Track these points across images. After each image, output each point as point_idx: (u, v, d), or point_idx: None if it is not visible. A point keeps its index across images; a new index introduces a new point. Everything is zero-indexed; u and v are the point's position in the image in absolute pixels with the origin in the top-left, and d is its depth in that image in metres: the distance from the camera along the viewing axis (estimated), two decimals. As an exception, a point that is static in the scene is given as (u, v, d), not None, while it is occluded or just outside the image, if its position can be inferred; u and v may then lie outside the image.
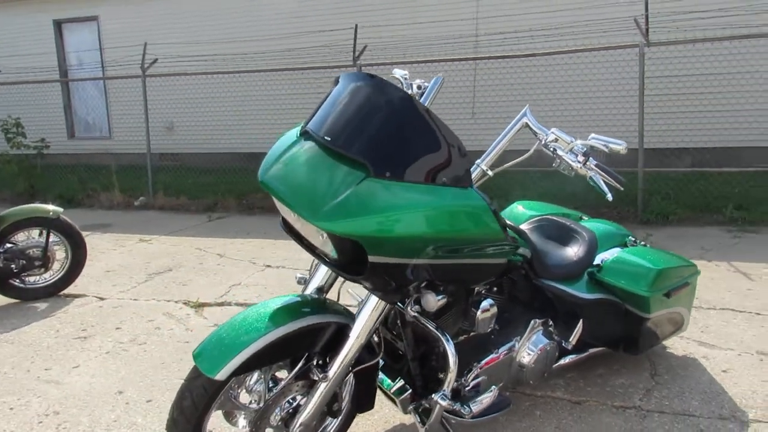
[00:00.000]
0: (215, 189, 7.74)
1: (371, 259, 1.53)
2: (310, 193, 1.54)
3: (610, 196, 1.70)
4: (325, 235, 1.62)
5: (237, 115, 9.51)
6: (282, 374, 1.91)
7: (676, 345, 2.96)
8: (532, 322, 2.23)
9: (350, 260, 1.62)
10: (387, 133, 1.55)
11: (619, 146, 1.69)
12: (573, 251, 2.39)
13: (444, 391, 1.81)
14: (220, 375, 1.59)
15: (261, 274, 4.46)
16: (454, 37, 7.87)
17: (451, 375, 1.80)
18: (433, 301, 1.72)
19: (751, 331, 3.10)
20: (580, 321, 2.33)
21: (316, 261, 2.01)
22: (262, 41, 8.94)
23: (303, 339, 1.74)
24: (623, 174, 5.78)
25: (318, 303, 1.85)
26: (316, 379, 1.78)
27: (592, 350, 2.55)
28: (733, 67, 6.62)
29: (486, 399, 1.98)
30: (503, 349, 2.16)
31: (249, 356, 1.62)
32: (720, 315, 3.33)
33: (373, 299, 1.78)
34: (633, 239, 2.72)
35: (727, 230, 5.29)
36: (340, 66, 7.10)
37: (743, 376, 2.64)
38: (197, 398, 1.65)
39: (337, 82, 1.78)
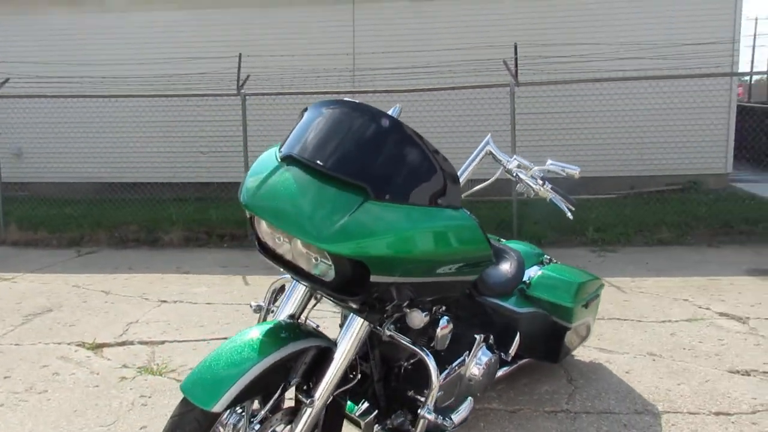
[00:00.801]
0: (80, 221, 7.12)
1: (373, 279, 1.57)
2: (310, 217, 1.55)
3: (570, 215, 1.90)
4: (318, 258, 1.63)
5: (102, 142, 8.85)
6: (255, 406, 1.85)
7: (580, 353, 3.27)
8: (477, 337, 2.37)
9: (347, 282, 1.64)
10: (383, 156, 1.60)
11: (574, 171, 1.90)
12: (506, 269, 2.58)
13: (428, 405, 1.86)
14: (218, 406, 1.52)
15: (158, 310, 4.19)
16: (337, 70, 8.05)
17: (434, 389, 1.86)
18: (420, 318, 1.78)
19: (637, 336, 3.51)
20: (518, 334, 2.52)
21: (289, 288, 1.99)
22: (132, 65, 8.46)
23: (290, 365, 1.71)
24: (502, 201, 6.23)
25: (296, 328, 1.84)
26: (303, 404, 1.75)
27: (520, 362, 2.75)
28: (593, 105, 7.50)
29: (465, 409, 2.06)
30: (455, 365, 2.26)
31: (245, 386, 1.57)
32: (609, 324, 3.73)
33: (357, 320, 1.80)
34: (548, 258, 2.99)
35: (591, 250, 5.93)
36: (222, 94, 6.96)
37: (643, 375, 2.99)
38: None
39: (305, 110, 1.82)
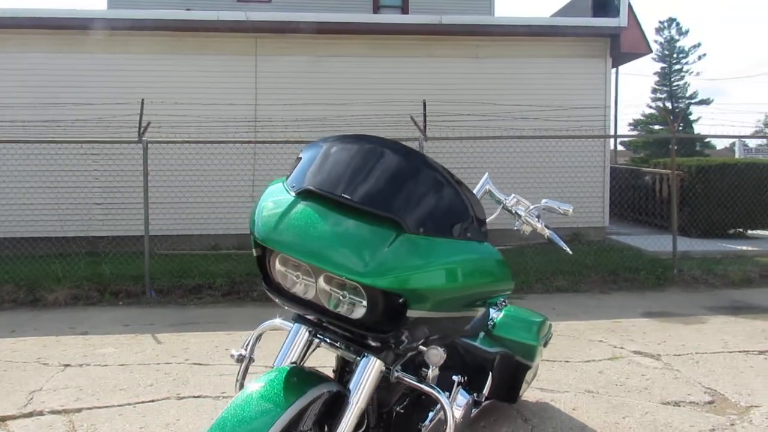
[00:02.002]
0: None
1: (410, 313, 1.53)
2: (346, 252, 1.50)
3: (569, 251, 1.99)
4: (346, 294, 1.57)
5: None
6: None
7: (525, 394, 3.35)
8: (456, 378, 2.36)
9: (375, 319, 1.58)
10: (413, 190, 1.60)
11: (568, 208, 2.01)
12: None
13: None
14: None
15: (63, 375, 3.73)
16: (237, 120, 7.91)
17: (451, 429, 1.81)
18: (439, 355, 1.75)
19: (570, 376, 3.68)
20: (490, 375, 2.54)
21: (290, 335, 1.87)
22: (20, 109, 7.73)
23: (308, 413, 1.60)
24: None
25: (308, 374, 1.73)
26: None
27: (484, 403, 2.77)
28: (492, 161, 7.97)
29: None
30: (438, 408, 2.23)
31: None
32: (542, 365, 3.87)
33: (371, 362, 1.72)
34: (502, 300, 3.08)
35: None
36: (122, 141, 6.55)
37: (589, 411, 3.13)
38: None
39: (312, 146, 1.79)
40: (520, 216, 2.02)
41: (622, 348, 4.26)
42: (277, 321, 2.14)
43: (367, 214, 1.56)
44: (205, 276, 6.47)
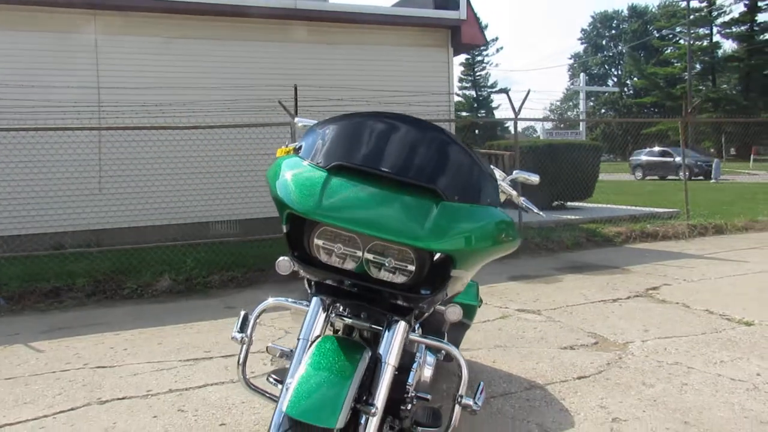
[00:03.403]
0: None
1: (453, 273, 1.69)
2: (401, 220, 1.61)
3: (543, 215, 2.26)
4: (392, 261, 1.68)
5: None
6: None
7: (446, 355, 3.66)
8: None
9: (419, 282, 1.71)
10: (445, 162, 1.75)
11: (536, 178, 2.28)
12: None
13: (463, 393, 1.95)
14: (339, 422, 1.46)
15: (-61, 396, 3.23)
16: (78, 104, 7.18)
17: (465, 379, 1.99)
18: (458, 312, 1.92)
19: (477, 336, 4.06)
20: (445, 335, 2.77)
21: (311, 313, 1.88)
22: None
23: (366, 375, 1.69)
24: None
25: (347, 343, 1.80)
26: (364, 413, 1.72)
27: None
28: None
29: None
30: (416, 365, 2.40)
31: (349, 402, 1.53)
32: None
33: (399, 326, 1.84)
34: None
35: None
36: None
37: (507, 361, 3.52)
38: None
39: (327, 122, 1.85)
40: (500, 185, 2.24)
41: (506, 308, 4.78)
42: (271, 300, 2.14)
43: (404, 186, 1.68)
44: (61, 278, 5.87)
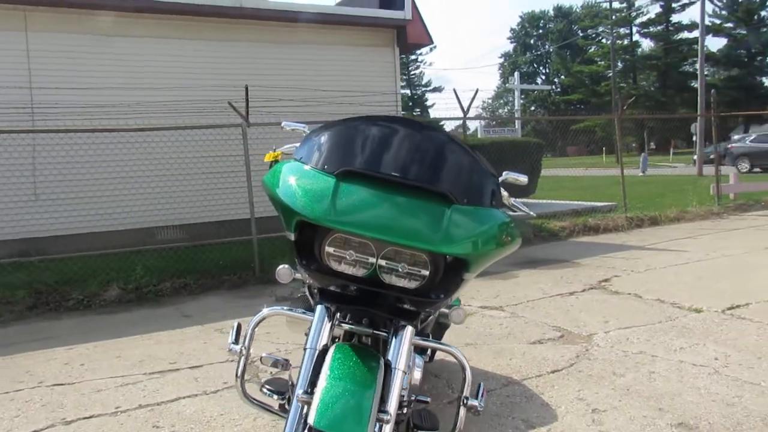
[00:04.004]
0: None
1: (466, 276, 1.70)
2: (417, 225, 1.61)
3: (533, 214, 2.30)
4: (405, 266, 1.67)
5: None
6: None
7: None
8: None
9: (431, 286, 1.71)
10: (452, 166, 1.75)
11: (524, 178, 2.32)
12: None
13: (467, 395, 1.96)
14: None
15: None
16: (7, 105, 6.76)
17: (469, 380, 2.00)
18: (463, 314, 1.93)
19: (446, 333, 4.10)
20: (430, 336, 2.78)
21: (316, 322, 1.84)
22: None
23: None
24: (243, 242, 6.33)
25: (360, 350, 1.77)
26: (379, 421, 1.70)
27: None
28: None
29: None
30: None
31: (375, 411, 1.52)
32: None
33: (407, 331, 1.84)
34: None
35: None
36: None
37: (481, 359, 3.57)
38: None
39: (327, 126, 1.82)
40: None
41: (469, 305, 4.85)
42: (265, 311, 2.09)
43: (413, 190, 1.67)
44: (-5, 291, 5.51)
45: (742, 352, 3.45)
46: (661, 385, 3.05)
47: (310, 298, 2.07)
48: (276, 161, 2.36)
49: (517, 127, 21.28)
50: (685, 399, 2.87)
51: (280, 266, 1.96)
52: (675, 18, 52.34)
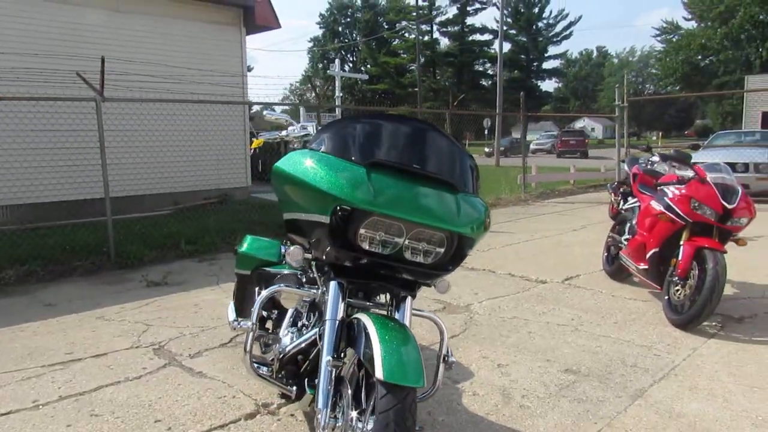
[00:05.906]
0: None
1: (468, 252, 2.05)
2: (445, 209, 1.92)
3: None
4: (425, 245, 1.97)
5: None
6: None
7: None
8: None
9: (444, 261, 2.03)
10: (455, 160, 2.08)
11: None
12: None
13: (445, 353, 2.30)
14: (424, 381, 1.74)
15: None
16: None
17: (447, 340, 2.34)
18: (448, 284, 2.27)
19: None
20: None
21: (331, 297, 2.05)
22: None
23: None
24: (96, 223, 6.15)
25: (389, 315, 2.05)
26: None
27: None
28: (185, 124, 7.60)
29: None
30: None
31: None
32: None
33: (408, 301, 2.15)
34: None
35: (197, 261, 6.29)
36: None
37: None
38: (414, 412, 1.70)
39: (350, 119, 2.05)
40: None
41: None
42: (270, 289, 2.24)
43: (427, 180, 1.97)
44: None
45: (588, 313, 4.30)
46: (540, 341, 3.72)
47: (317, 277, 2.25)
48: (258, 148, 2.47)
49: (337, 114, 21.88)
50: (562, 351, 3.55)
51: (292, 247, 2.14)
52: (469, 20, 57.59)
